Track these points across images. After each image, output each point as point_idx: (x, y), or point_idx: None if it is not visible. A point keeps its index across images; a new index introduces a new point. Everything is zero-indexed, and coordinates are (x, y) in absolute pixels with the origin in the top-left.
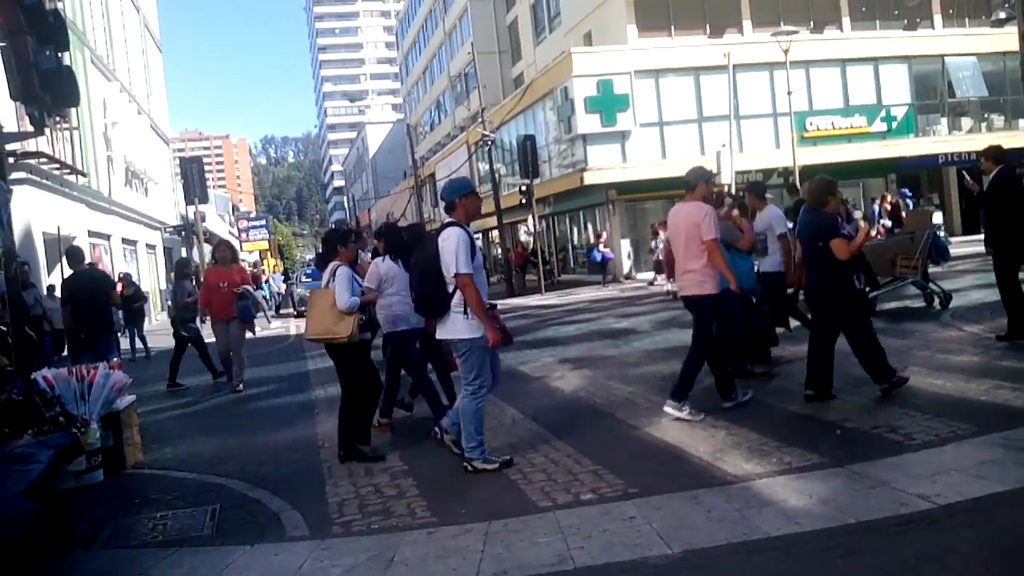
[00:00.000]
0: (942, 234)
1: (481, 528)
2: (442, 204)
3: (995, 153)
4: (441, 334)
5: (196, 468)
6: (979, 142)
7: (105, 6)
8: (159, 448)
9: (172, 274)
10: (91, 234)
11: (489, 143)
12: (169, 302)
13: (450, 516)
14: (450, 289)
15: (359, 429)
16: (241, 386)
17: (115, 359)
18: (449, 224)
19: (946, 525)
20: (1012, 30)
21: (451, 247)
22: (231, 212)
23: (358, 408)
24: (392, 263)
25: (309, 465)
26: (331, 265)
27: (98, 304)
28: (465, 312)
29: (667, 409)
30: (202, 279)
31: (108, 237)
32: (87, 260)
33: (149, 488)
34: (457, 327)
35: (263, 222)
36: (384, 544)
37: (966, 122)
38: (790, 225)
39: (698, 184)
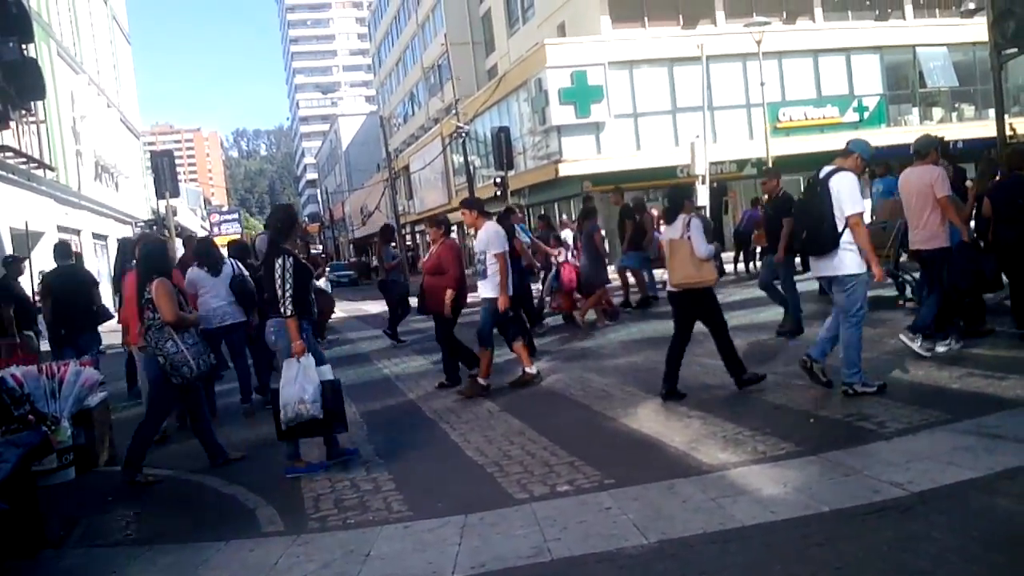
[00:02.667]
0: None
1: (458, 521)
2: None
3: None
4: (826, 271)
5: (170, 465)
6: (950, 131)
7: None
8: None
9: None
10: (60, 229)
11: (463, 135)
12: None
13: (427, 509)
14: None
15: (731, 356)
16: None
17: (88, 357)
18: (839, 170)
19: (919, 512)
20: (981, 20)
21: (847, 189)
22: (203, 206)
23: (726, 338)
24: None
25: (284, 460)
26: (682, 217)
27: (80, 300)
28: (854, 249)
29: (911, 344)
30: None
31: (78, 232)
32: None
33: (122, 486)
34: (846, 263)
35: (235, 216)
36: (360, 539)
37: (937, 112)
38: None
39: (929, 151)
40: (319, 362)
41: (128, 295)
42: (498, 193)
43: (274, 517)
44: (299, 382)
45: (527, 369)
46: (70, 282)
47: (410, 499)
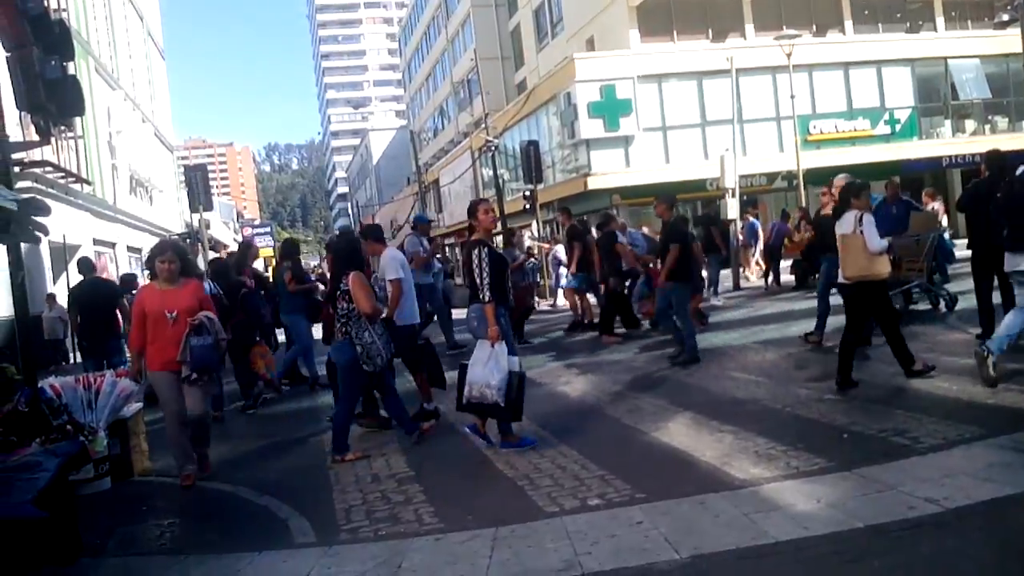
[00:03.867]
0: (947, 236)
1: (488, 534)
2: (446, 212)
3: (992, 159)
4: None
5: (203, 475)
6: (983, 144)
7: (109, 15)
8: (166, 456)
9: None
10: (96, 242)
11: (492, 149)
12: None
13: (457, 522)
14: None
15: (900, 348)
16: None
17: (123, 366)
18: None
19: (955, 529)
20: (1015, 32)
21: None
22: (235, 219)
23: (896, 330)
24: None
25: (316, 471)
26: (854, 212)
27: (103, 311)
28: None
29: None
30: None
31: (113, 245)
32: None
33: (157, 495)
34: None
35: (267, 229)
36: (392, 550)
37: (970, 124)
38: None
39: None
40: (510, 352)
41: (148, 311)
42: (527, 207)
43: (306, 528)
44: (489, 367)
45: (425, 404)
46: (94, 295)
47: (441, 511)
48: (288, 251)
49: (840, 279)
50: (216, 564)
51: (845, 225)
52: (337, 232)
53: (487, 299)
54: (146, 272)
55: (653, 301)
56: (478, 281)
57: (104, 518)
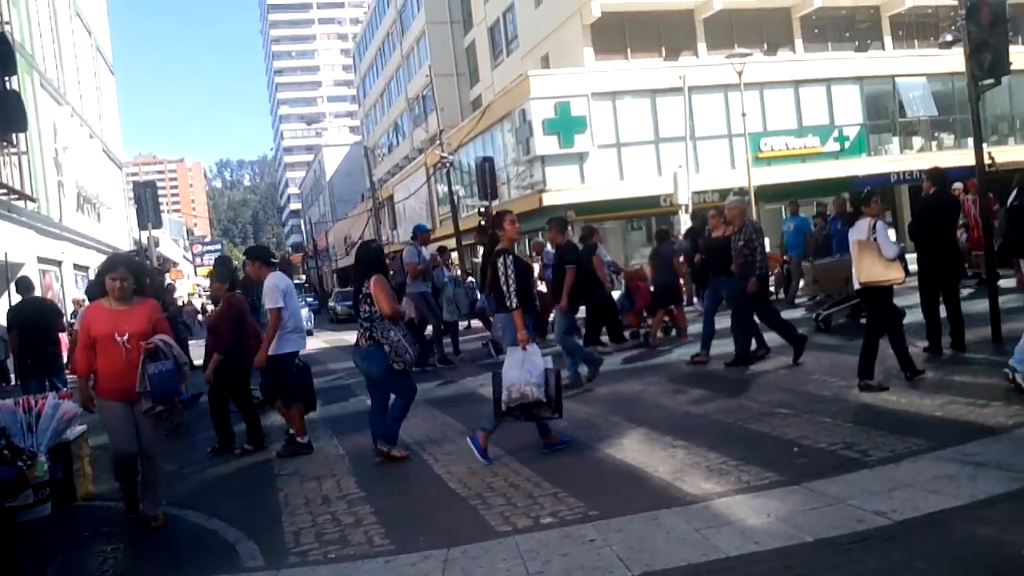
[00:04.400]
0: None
1: (440, 555)
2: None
3: (936, 175)
4: None
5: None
6: (930, 160)
7: (55, 29)
8: (111, 479)
9: None
10: (41, 260)
11: (448, 165)
12: None
13: (408, 543)
14: None
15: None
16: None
17: (65, 388)
18: None
19: (902, 541)
20: (959, 51)
21: None
22: (186, 236)
23: (876, 342)
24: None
25: (265, 494)
26: (868, 220)
27: (44, 331)
28: None
29: None
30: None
31: (59, 263)
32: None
33: (100, 520)
34: None
35: (218, 246)
36: (341, 573)
37: (917, 141)
38: None
39: None
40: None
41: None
42: (482, 223)
43: (255, 552)
44: (526, 367)
45: (299, 438)
46: (34, 315)
47: (392, 532)
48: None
49: (856, 284)
50: None
51: (859, 232)
52: (359, 241)
53: (514, 306)
54: (83, 299)
55: (633, 314)
56: (504, 289)
57: (44, 545)
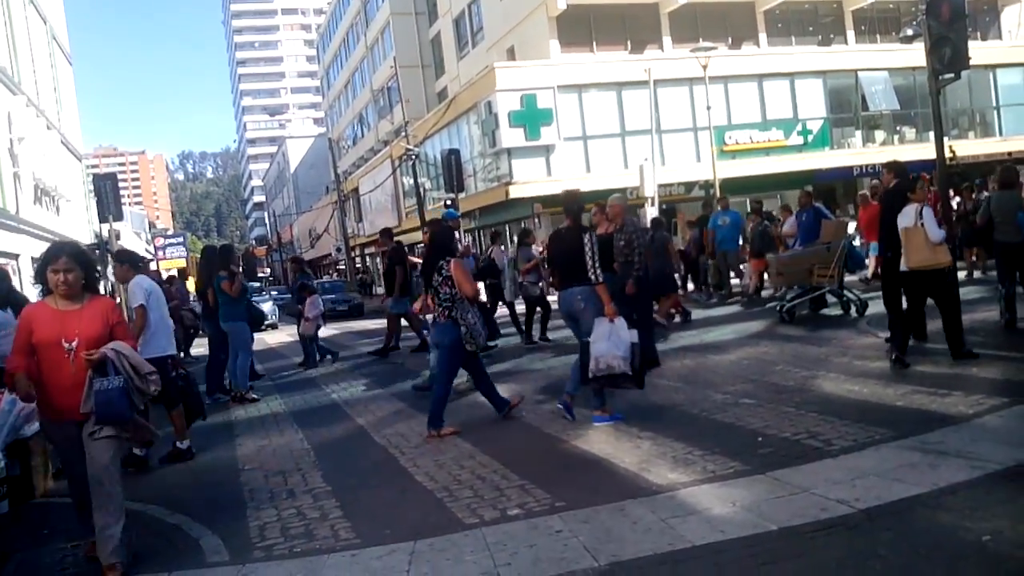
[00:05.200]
0: (857, 244)
1: (406, 548)
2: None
3: (895, 167)
4: None
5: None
6: (892, 154)
7: (8, 15)
8: None
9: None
10: None
11: (413, 157)
12: None
13: (375, 537)
14: None
15: (954, 332)
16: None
17: None
18: None
19: (865, 529)
20: (920, 46)
21: None
22: (147, 229)
23: (956, 315)
24: None
25: (229, 488)
26: (915, 206)
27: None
28: None
29: None
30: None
31: (16, 256)
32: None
33: (59, 518)
34: None
35: (181, 239)
36: (307, 567)
37: (879, 134)
38: None
39: None
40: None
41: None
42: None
43: (219, 547)
44: (613, 340)
45: (178, 443)
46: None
47: (358, 526)
48: (226, 258)
49: (902, 268)
50: None
51: (906, 219)
52: (429, 223)
53: (599, 280)
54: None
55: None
56: (589, 263)
57: (2, 543)
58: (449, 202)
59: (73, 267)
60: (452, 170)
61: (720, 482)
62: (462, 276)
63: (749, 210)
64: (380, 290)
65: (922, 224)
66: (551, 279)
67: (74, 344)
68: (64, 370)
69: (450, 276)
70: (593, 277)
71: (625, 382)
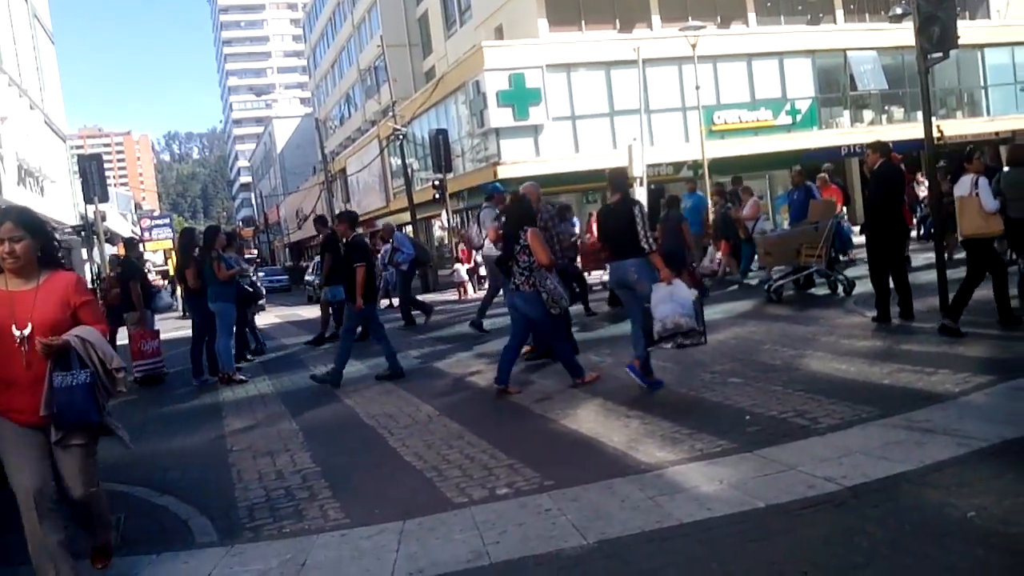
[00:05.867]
0: (845, 224)
1: (395, 527)
2: (354, 202)
3: (880, 147)
4: None
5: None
6: (880, 133)
7: None
8: None
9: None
10: None
11: (401, 137)
12: None
13: (364, 516)
14: None
15: (1003, 301)
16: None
17: None
18: None
19: (852, 506)
20: (909, 25)
21: None
22: (133, 210)
23: (1003, 284)
24: None
25: (218, 469)
26: (970, 176)
27: None
28: None
29: None
30: None
31: None
32: None
33: None
34: None
35: (167, 220)
36: (296, 547)
37: (867, 114)
38: None
39: None
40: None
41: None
42: (436, 196)
43: (207, 527)
44: (675, 299)
45: None
46: None
47: (347, 506)
48: (212, 239)
49: (960, 237)
50: (111, 569)
51: (962, 188)
52: (509, 195)
53: (652, 249)
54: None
55: None
56: (641, 233)
57: None
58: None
59: (22, 235)
60: (440, 150)
61: (708, 460)
62: (538, 245)
63: (713, 191)
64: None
65: (977, 194)
66: (601, 252)
67: (27, 332)
68: (16, 364)
69: (527, 245)
70: (645, 246)
71: (692, 338)
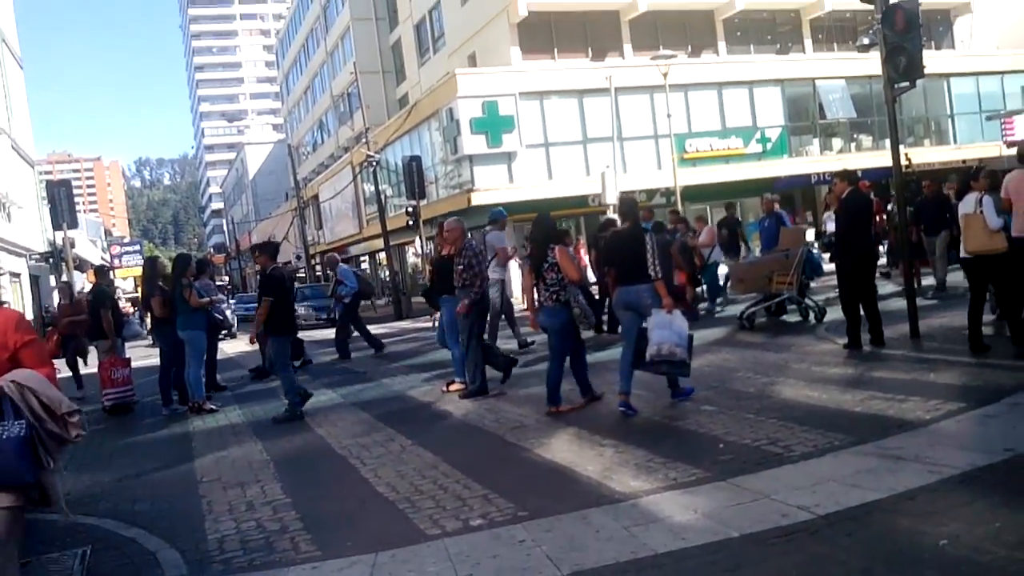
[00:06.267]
0: (815, 251)
1: (368, 560)
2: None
3: (847, 175)
4: None
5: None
6: (849, 161)
7: None
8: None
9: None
10: None
11: (374, 164)
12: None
13: (336, 549)
14: None
15: (1016, 318)
16: None
17: None
18: None
19: (826, 535)
20: (876, 55)
21: None
22: (103, 237)
23: (1017, 300)
24: None
25: (187, 501)
26: (975, 194)
27: None
28: None
29: None
30: None
31: None
32: None
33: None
34: None
35: (137, 247)
36: None
37: (837, 142)
38: None
39: None
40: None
41: None
42: (410, 223)
43: (177, 560)
44: (673, 329)
45: None
46: None
47: (319, 538)
48: (183, 267)
49: (962, 254)
50: None
51: (966, 206)
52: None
53: (658, 276)
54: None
55: None
56: (650, 261)
57: None
58: (496, 213)
59: None
60: (414, 177)
61: (682, 489)
62: (568, 262)
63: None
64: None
65: (981, 212)
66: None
67: None
68: None
69: (556, 263)
70: (653, 273)
71: (679, 369)
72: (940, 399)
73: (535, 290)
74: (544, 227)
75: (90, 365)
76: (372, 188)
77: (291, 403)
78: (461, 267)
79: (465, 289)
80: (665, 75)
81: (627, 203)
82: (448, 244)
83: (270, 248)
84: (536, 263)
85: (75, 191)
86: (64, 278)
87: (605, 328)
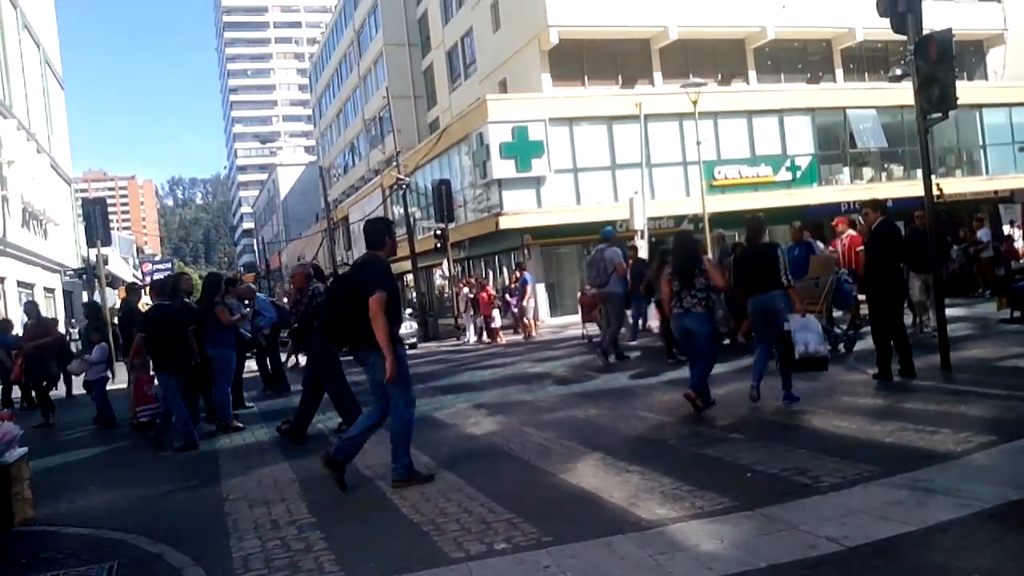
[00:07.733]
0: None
1: None
2: (355, 249)
3: (878, 204)
4: None
5: (92, 523)
6: (880, 191)
7: (2, 40)
8: (52, 502)
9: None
10: None
11: (404, 187)
12: None
13: (359, 570)
14: None
15: None
16: None
17: (7, 411)
18: None
19: (854, 568)
20: (908, 85)
21: None
22: (135, 254)
23: None
24: None
25: (213, 518)
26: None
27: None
28: None
29: None
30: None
31: (2, 280)
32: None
33: (39, 546)
34: None
35: (168, 265)
36: None
37: (867, 171)
38: None
39: None
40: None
41: None
42: (438, 245)
43: None
44: (811, 329)
45: None
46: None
47: (342, 559)
48: (215, 285)
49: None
50: None
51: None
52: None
53: (790, 283)
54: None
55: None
56: (782, 271)
57: None
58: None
59: None
60: (443, 200)
61: (709, 518)
62: (715, 270)
63: (628, 245)
64: None
65: None
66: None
67: None
68: None
69: (705, 270)
70: (785, 282)
71: (820, 366)
72: (971, 431)
73: (676, 298)
74: (690, 241)
75: (119, 381)
76: (401, 210)
77: (186, 435)
78: (301, 310)
79: (313, 331)
80: (695, 103)
81: (755, 221)
82: (296, 289)
83: (166, 285)
84: (686, 273)
85: (109, 209)
86: (97, 294)
87: (676, 352)
